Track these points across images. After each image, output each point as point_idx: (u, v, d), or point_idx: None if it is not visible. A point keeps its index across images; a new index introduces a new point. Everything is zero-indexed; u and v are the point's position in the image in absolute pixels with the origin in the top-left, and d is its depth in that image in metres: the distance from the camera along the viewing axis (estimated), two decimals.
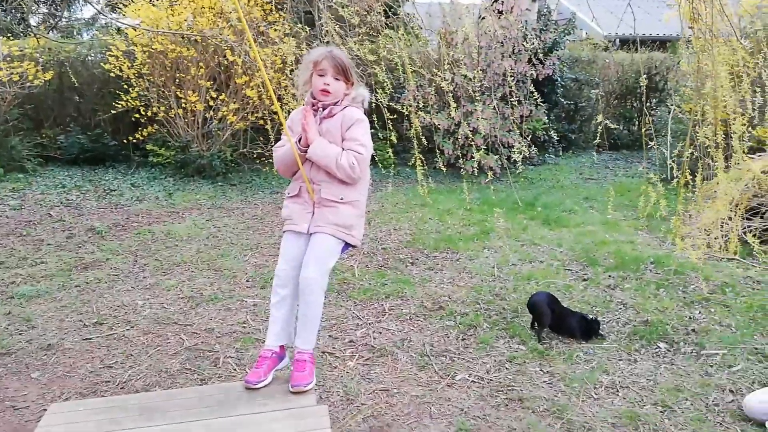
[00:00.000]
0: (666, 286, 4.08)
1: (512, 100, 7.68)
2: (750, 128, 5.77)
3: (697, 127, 5.54)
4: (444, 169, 5.83)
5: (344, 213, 2.32)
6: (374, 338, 3.40)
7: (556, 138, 9.29)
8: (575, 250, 4.92)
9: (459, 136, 7.76)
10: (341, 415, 2.67)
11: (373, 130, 6.51)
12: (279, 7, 6.81)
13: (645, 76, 5.23)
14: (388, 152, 7.73)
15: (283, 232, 2.43)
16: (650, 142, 5.19)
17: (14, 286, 3.97)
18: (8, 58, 6.33)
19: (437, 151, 7.51)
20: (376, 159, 7.37)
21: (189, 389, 2.42)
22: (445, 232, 5.48)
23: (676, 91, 8.13)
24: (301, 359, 2.34)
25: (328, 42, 4.97)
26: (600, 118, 6.57)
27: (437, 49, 8.57)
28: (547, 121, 8.59)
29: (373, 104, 5.50)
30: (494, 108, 7.78)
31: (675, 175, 5.24)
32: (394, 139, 6.58)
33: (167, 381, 2.91)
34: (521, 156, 5.30)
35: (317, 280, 2.31)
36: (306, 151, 2.30)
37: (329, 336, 3.42)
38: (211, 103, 6.84)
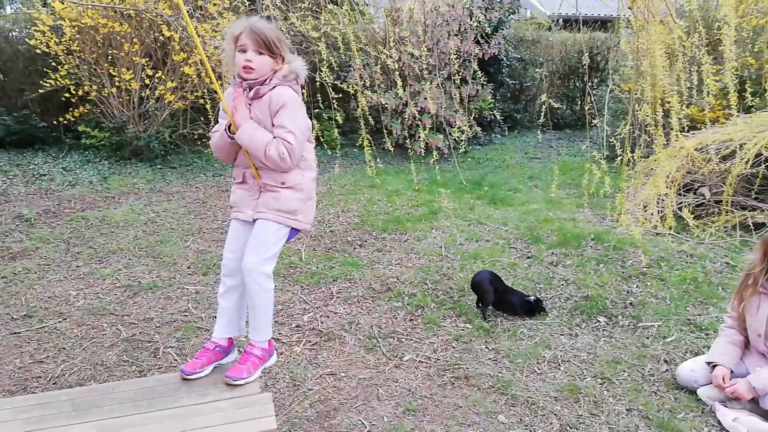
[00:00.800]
0: (606, 262, 4.21)
1: (457, 78, 7.71)
2: (685, 107, 6.00)
3: (636, 105, 5.71)
4: (392, 150, 5.81)
5: (286, 197, 2.22)
6: (321, 322, 3.35)
7: (502, 118, 9.43)
8: (520, 229, 5.00)
9: (407, 116, 7.76)
10: (288, 401, 2.62)
11: (317, 110, 6.39)
12: None
13: (587, 55, 5.34)
14: (334, 133, 7.65)
15: (230, 219, 2.34)
16: (592, 121, 5.32)
17: None
18: None
19: (385, 131, 7.49)
20: (322, 140, 7.29)
21: (125, 382, 2.31)
22: (393, 213, 5.45)
23: (616, 70, 8.34)
24: (248, 351, 2.28)
25: (269, 17, 4.80)
26: (543, 97, 6.69)
27: (383, 27, 8.47)
28: (493, 100, 8.67)
29: (318, 83, 5.38)
30: (441, 87, 7.77)
31: (617, 153, 5.40)
32: (339, 119, 6.48)
33: (103, 374, 2.78)
34: (464, 135, 5.32)
35: (258, 268, 2.21)
36: (233, 138, 2.17)
37: (276, 322, 3.34)
38: (147, 81, 6.52)
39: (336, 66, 6.21)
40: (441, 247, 4.56)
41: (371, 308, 3.54)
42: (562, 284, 3.86)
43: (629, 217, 4.23)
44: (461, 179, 6.83)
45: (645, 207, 5.18)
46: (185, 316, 3.38)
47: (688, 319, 3.31)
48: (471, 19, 7.81)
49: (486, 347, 3.08)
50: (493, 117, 8.65)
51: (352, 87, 5.34)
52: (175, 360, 2.93)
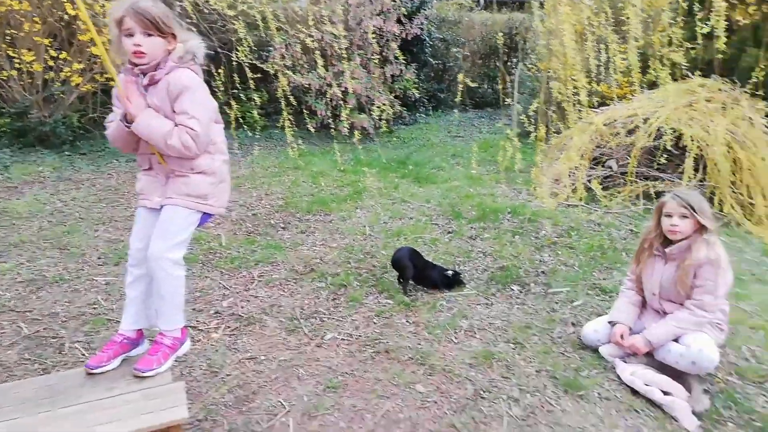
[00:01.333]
0: (521, 234, 4.38)
1: (375, 59, 7.68)
2: (595, 84, 6.28)
3: (548, 83, 5.92)
4: (316, 131, 5.75)
5: (197, 182, 2.13)
6: (242, 307, 3.30)
7: (426, 97, 9.54)
8: (442, 205, 5.10)
9: (330, 97, 7.68)
10: (204, 388, 2.57)
11: (234, 90, 6.18)
12: None
13: (502, 34, 5.47)
14: (254, 114, 7.46)
15: (136, 207, 2.23)
16: (507, 100, 5.47)
17: None
18: None
19: (308, 112, 7.39)
20: (242, 122, 7.11)
21: (26, 381, 2.17)
22: (318, 195, 5.41)
23: (532, 50, 8.61)
24: (158, 341, 2.20)
25: None
26: (461, 77, 6.80)
27: (304, 6, 8.30)
28: (417, 80, 8.74)
29: (234, 63, 5.20)
30: (364, 67, 7.74)
31: (530, 130, 5.58)
32: (258, 99, 6.31)
33: (2, 375, 2.61)
34: (384, 114, 5.33)
35: (165, 254, 2.12)
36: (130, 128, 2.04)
37: (193, 309, 3.25)
38: (51, 63, 6.08)
39: (255, 46, 6.04)
40: (365, 226, 4.58)
41: (293, 290, 3.51)
42: (480, 256, 3.99)
43: (545, 190, 4.40)
44: (387, 158, 6.88)
45: (558, 180, 5.43)
46: (94, 308, 3.22)
47: (594, 284, 3.52)
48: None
49: (406, 321, 3.14)
50: (416, 97, 8.73)
51: (272, 67, 5.20)
52: (83, 355, 2.79)
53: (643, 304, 2.83)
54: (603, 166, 5.37)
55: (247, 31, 5.48)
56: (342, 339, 2.97)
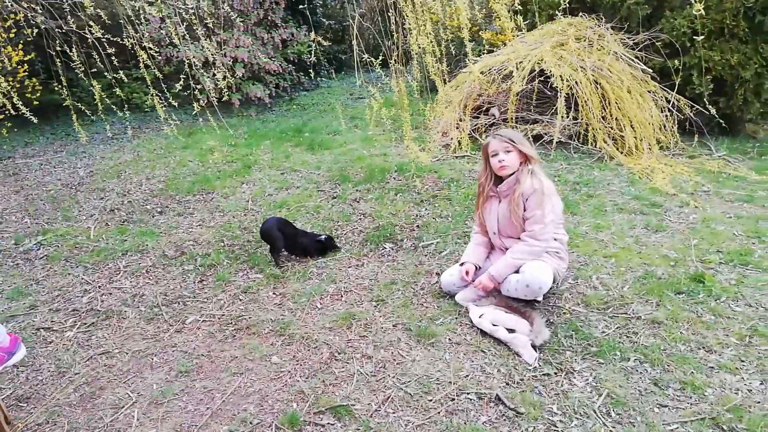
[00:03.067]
0: (403, 191, 4.39)
1: (264, 22, 7.41)
2: (479, 33, 6.26)
3: (440, 34, 5.87)
4: (205, 106, 5.47)
5: None
6: (102, 301, 3.16)
7: (326, 60, 9.33)
8: (332, 170, 5.04)
9: (217, 69, 7.36)
10: (49, 391, 2.45)
11: (94, 70, 5.76)
12: None
13: None
14: (140, 95, 7.07)
15: None
16: (395, 55, 5.38)
17: None
18: None
19: (196, 86, 7.07)
20: (125, 101, 6.73)
21: None
22: (203, 173, 5.23)
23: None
24: None
25: None
26: (355, 31, 6.65)
27: None
28: (311, 43, 8.50)
29: (90, 41, 4.85)
30: (252, 34, 7.45)
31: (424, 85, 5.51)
32: (113, 77, 5.94)
33: None
34: (279, 81, 5.13)
35: None
36: None
37: (49, 310, 3.10)
38: None
39: (109, 20, 5.62)
40: (248, 201, 4.47)
41: (160, 277, 3.39)
42: (360, 218, 3.97)
43: (418, 144, 4.38)
44: (283, 128, 6.72)
45: (445, 133, 5.45)
46: None
47: (464, 232, 3.57)
48: None
49: (273, 293, 3.10)
50: (316, 60, 8.52)
51: (129, 43, 4.87)
52: None
53: (492, 248, 2.90)
54: (486, 114, 5.43)
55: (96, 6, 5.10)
56: (203, 321, 2.90)
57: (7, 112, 6.17)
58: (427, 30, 5.20)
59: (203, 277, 3.35)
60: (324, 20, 9.08)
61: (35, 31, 5.74)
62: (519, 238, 2.69)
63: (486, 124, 5.38)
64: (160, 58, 7.03)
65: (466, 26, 5.85)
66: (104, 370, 2.56)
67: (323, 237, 3.48)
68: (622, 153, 4.74)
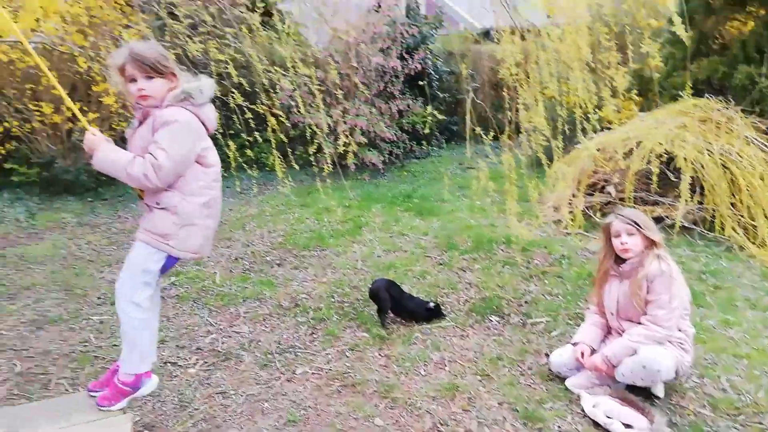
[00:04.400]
0: (512, 264, 4.36)
1: (384, 94, 7.87)
2: (596, 110, 6.27)
3: (556, 110, 5.95)
4: (327, 168, 5.90)
5: (158, 218, 2.19)
6: (223, 343, 3.39)
7: (438, 131, 9.65)
8: (439, 237, 5.13)
9: (339, 135, 7.88)
10: (171, 422, 2.65)
11: (231, 131, 6.40)
12: (140, 8, 6.58)
13: (508, 65, 5.57)
14: (266, 155, 7.69)
15: None
16: (509, 133, 5.49)
17: None
18: None
19: (317, 151, 7.60)
20: (255, 162, 7.35)
21: None
22: (318, 231, 5.53)
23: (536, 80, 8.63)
24: (114, 381, 2.30)
25: (169, 45, 4.86)
26: (468, 105, 6.89)
27: (311, 47, 8.63)
28: (426, 114, 8.87)
29: (233, 105, 5.44)
30: (371, 104, 7.94)
31: (536, 159, 5.57)
32: (247, 139, 6.53)
33: None
34: (392, 149, 5.40)
35: (124, 291, 2.23)
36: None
37: (176, 346, 3.38)
38: (68, 114, 6.49)
39: (249, 88, 6.27)
40: (357, 260, 4.65)
41: (275, 325, 3.59)
42: (466, 288, 3.99)
43: (525, 218, 4.38)
44: (395, 192, 6.98)
45: (557, 208, 5.39)
46: (84, 346, 3.38)
47: (577, 313, 3.46)
48: (395, 36, 8.03)
49: (379, 354, 3.17)
50: (429, 130, 8.85)
51: (262, 109, 5.41)
52: (66, 390, 2.93)
53: (609, 331, 2.79)
54: (602, 192, 5.31)
55: (237, 74, 5.74)
56: (312, 373, 3.02)
57: None
58: (540, 107, 5.28)
59: (314, 330, 3.50)
60: (439, 93, 9.47)
61: None
62: (639, 322, 2.58)
63: (601, 202, 5.26)
64: (287, 123, 7.68)
65: (582, 103, 5.87)
66: (220, 409, 2.73)
67: (431, 304, 3.53)
68: (753, 244, 4.41)
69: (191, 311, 3.84)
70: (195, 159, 2.22)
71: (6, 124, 6.44)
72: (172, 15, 5.06)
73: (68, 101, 2.38)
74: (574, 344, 2.75)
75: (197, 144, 2.21)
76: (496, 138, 4.72)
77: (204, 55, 5.05)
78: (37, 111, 6.34)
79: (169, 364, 3.16)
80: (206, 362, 3.18)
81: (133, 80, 2.15)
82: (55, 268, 4.71)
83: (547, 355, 3.02)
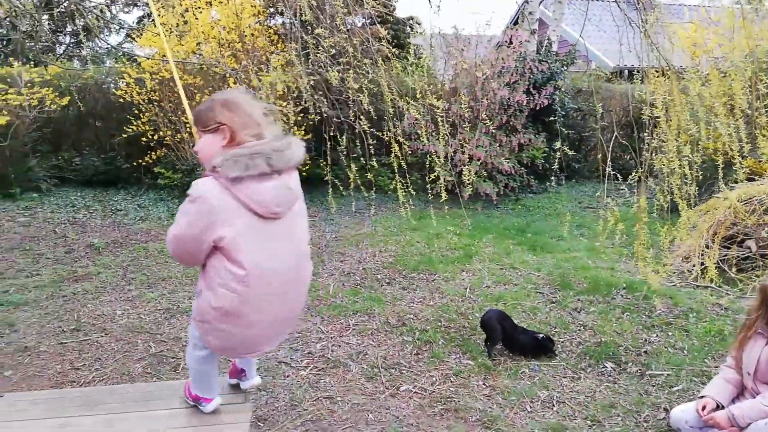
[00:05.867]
0: (632, 311, 4.11)
1: (505, 127, 7.85)
2: (741, 158, 5.80)
3: (692, 155, 5.62)
4: (442, 196, 6.01)
5: (199, 305, 1.94)
6: (332, 351, 3.53)
7: (557, 167, 9.39)
8: (552, 275, 4.98)
9: (456, 163, 7.95)
10: (282, 418, 2.80)
11: (355, 153, 6.69)
12: (284, 36, 7.18)
13: (648, 107, 5.35)
14: (383, 178, 7.96)
15: None
16: (642, 175, 5.24)
17: (6, 294, 4.24)
18: (29, 84, 6.81)
19: (433, 177, 7.72)
20: (374, 183, 7.62)
21: (131, 385, 2.60)
22: (428, 255, 5.59)
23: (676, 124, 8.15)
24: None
25: (311, 73, 5.24)
26: (602, 142, 6.64)
27: (440, 79, 8.84)
28: (547, 149, 8.69)
29: (358, 130, 5.73)
30: (491, 136, 7.94)
31: (666, 204, 5.27)
32: (369, 163, 6.77)
33: (127, 382, 3.09)
34: (508, 181, 5.39)
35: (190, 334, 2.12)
36: None
37: (290, 348, 3.57)
38: None
39: (375, 115, 6.55)
40: (466, 289, 4.64)
41: (382, 341, 3.68)
42: (579, 329, 3.82)
43: (651, 265, 4.12)
44: (507, 225, 6.89)
45: (687, 258, 5.02)
46: None
47: (703, 371, 3.19)
48: (523, 71, 8.01)
49: (483, 383, 3.13)
50: (547, 166, 8.66)
51: (386, 135, 5.62)
52: None
53: (742, 391, 2.54)
54: (739, 246, 4.86)
55: (369, 102, 6.02)
56: (415, 392, 3.04)
57: None
58: (678, 150, 4.98)
59: (419, 350, 3.54)
60: (563, 129, 9.25)
61: (318, 118, 7.01)
62: None
63: (738, 256, 4.82)
64: (407, 149, 7.90)
65: (725, 151, 5.46)
66: (327, 413, 2.84)
67: (542, 336, 3.43)
68: None
69: (305, 317, 4.03)
70: (214, 246, 1.79)
71: (161, 133, 7.26)
72: (317, 45, 5.46)
73: (189, 112, 2.50)
74: (701, 397, 2.54)
75: (211, 229, 1.76)
76: (625, 179, 4.51)
77: (341, 83, 5.39)
78: (187, 123, 7.08)
79: (283, 364, 3.35)
80: (316, 367, 3.33)
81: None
82: None
83: (667, 410, 2.81)
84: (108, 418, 2.27)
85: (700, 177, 6.50)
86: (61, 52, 12.91)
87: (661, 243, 5.02)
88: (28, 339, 3.57)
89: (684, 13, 9.04)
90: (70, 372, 3.22)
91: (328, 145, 7.36)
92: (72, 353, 3.43)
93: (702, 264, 4.82)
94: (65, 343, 3.55)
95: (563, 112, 9.16)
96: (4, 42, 12.91)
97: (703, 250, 4.94)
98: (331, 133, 6.74)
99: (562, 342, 3.63)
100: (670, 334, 3.71)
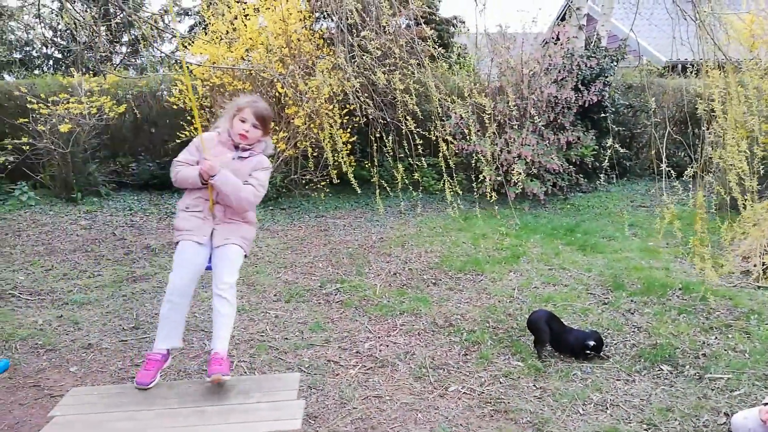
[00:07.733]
0: (688, 312, 3.97)
1: (553, 125, 7.70)
2: None
3: (753, 150, 5.39)
4: (486, 195, 5.95)
5: (246, 229, 2.77)
6: (380, 350, 3.56)
7: (609, 165, 9.14)
8: (604, 275, 4.86)
9: (502, 163, 7.86)
10: (332, 416, 2.85)
11: (401, 154, 6.71)
12: (330, 41, 7.29)
13: (705, 100, 5.15)
14: (428, 179, 7.93)
15: (178, 242, 2.69)
16: (698, 170, 5.06)
17: (71, 294, 4.47)
18: (89, 93, 7.15)
19: (479, 177, 7.66)
20: (422, 184, 7.63)
21: (189, 381, 2.70)
22: (474, 255, 5.55)
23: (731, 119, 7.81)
24: (217, 358, 2.54)
25: (357, 75, 5.30)
26: (655, 139, 6.44)
27: (485, 78, 8.76)
28: (597, 147, 8.48)
29: (405, 131, 5.75)
30: (538, 134, 7.81)
31: (724, 202, 5.05)
32: (416, 163, 6.75)
33: (183, 379, 3.21)
34: (556, 181, 5.30)
35: (233, 284, 2.67)
36: (207, 180, 2.61)
37: (339, 347, 3.62)
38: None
39: (422, 116, 6.55)
40: (514, 289, 4.58)
41: (429, 341, 3.68)
42: (633, 331, 3.72)
43: (709, 262, 3.95)
44: (555, 225, 6.76)
45: (747, 258, 4.81)
46: (261, 336, 3.77)
47: (766, 375, 3.05)
48: (571, 68, 7.85)
49: (534, 385, 3.09)
50: (597, 164, 8.45)
51: (434, 134, 5.62)
52: (245, 372, 3.30)
53: None
54: None
55: (414, 102, 6.03)
56: (464, 392, 3.03)
57: (328, 179, 7.54)
58: (738, 145, 4.78)
59: (467, 351, 3.52)
60: (614, 126, 8.99)
61: (364, 120, 7.07)
62: None
63: None
64: (453, 149, 7.86)
65: None
66: (376, 412, 2.87)
67: (591, 342, 3.34)
68: None
69: (353, 317, 4.09)
70: None
71: None
72: (363, 47, 5.52)
73: (197, 121, 3.07)
74: (765, 404, 2.43)
75: None
76: (679, 176, 4.36)
77: (387, 84, 5.43)
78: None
79: (332, 363, 3.40)
80: (365, 366, 3.37)
81: (243, 121, 2.72)
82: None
83: (727, 415, 2.70)
84: (167, 413, 2.37)
85: (762, 171, 6.26)
86: (118, 61, 13.51)
87: (721, 240, 4.84)
88: (91, 336, 3.76)
89: (741, 2, 8.65)
90: (131, 368, 3.36)
91: (374, 147, 7.41)
92: (132, 350, 3.59)
93: (763, 264, 4.60)
94: (126, 340, 3.72)
95: (613, 109, 8.90)
96: (66, 53, 13.63)
97: (765, 249, 4.72)
98: (377, 135, 6.80)
99: (615, 344, 3.54)
100: (729, 336, 3.56)
